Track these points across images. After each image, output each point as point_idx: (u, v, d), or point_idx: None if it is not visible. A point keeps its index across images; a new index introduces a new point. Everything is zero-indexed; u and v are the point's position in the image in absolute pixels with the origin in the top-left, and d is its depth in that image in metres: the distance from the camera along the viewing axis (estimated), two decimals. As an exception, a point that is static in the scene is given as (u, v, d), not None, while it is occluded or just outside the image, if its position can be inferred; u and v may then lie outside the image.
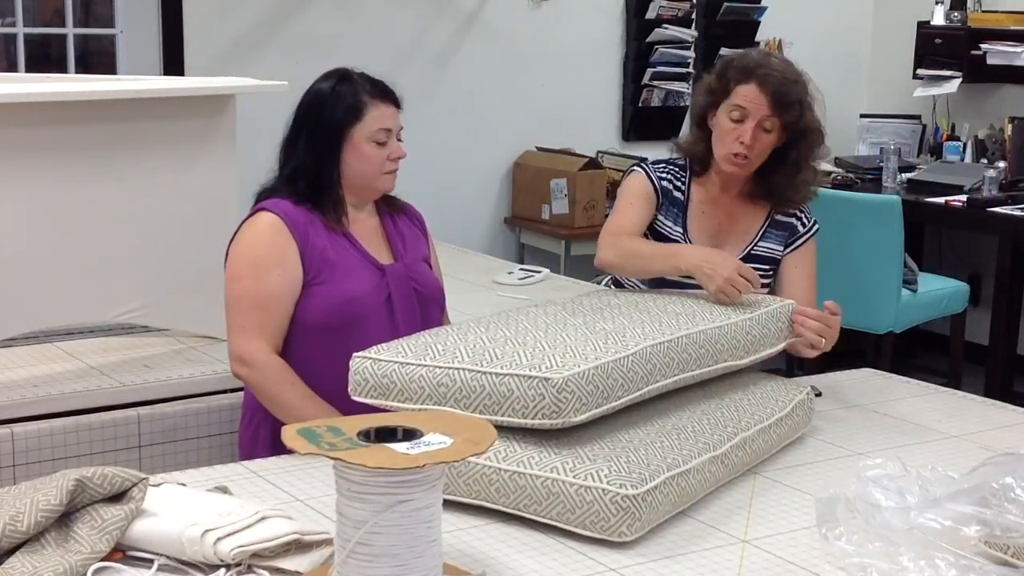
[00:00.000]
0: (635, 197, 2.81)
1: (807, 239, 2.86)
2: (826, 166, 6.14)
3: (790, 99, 2.71)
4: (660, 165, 2.86)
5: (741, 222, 2.83)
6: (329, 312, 2.52)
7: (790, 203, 2.83)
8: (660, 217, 2.81)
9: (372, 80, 2.65)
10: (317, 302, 2.53)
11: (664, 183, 2.82)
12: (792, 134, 2.75)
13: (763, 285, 2.77)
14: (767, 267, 2.81)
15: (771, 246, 2.84)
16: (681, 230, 2.81)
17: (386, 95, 2.64)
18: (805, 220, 2.86)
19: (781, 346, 2.56)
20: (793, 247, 2.85)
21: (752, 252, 2.81)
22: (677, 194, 2.83)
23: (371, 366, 2.16)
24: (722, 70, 2.80)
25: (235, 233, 2.61)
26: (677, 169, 2.86)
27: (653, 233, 2.82)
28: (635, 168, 2.87)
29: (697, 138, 2.84)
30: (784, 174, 2.79)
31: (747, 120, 2.71)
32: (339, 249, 2.58)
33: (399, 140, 2.65)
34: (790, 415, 2.43)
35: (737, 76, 2.74)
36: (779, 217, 2.85)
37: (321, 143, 2.59)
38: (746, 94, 2.72)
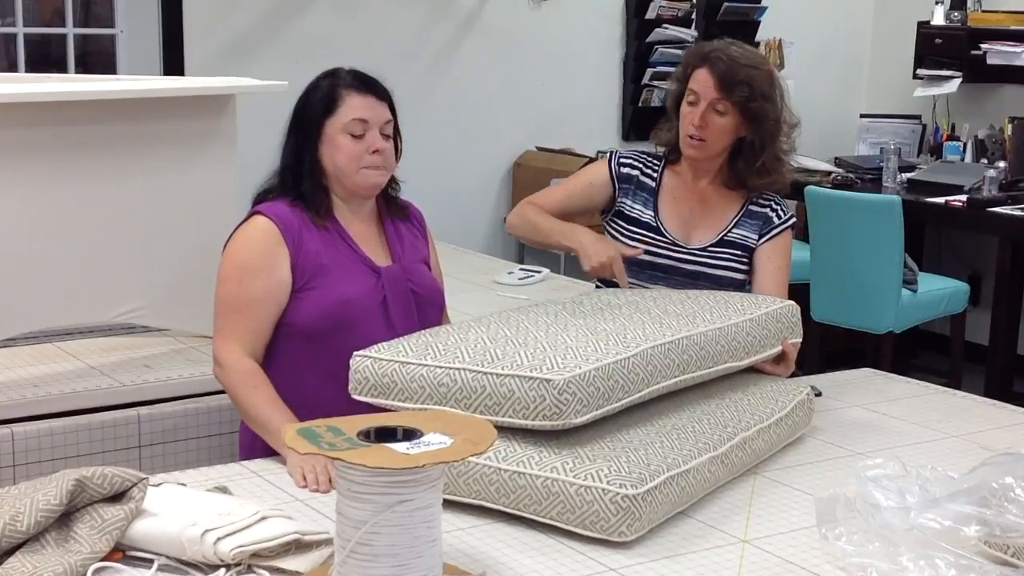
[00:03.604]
0: (579, 181, 3.00)
1: (781, 231, 2.90)
2: (825, 166, 6.16)
3: (736, 79, 2.79)
4: (634, 152, 2.99)
5: (714, 209, 2.91)
6: (323, 315, 2.51)
7: (754, 189, 2.90)
8: (628, 202, 2.92)
9: (356, 73, 2.61)
10: (311, 305, 2.52)
11: (628, 170, 2.94)
12: (749, 119, 2.81)
13: (738, 271, 2.86)
14: (740, 252, 2.88)
15: (745, 233, 2.89)
16: (652, 213, 2.90)
17: (365, 86, 2.59)
18: (781, 212, 2.91)
19: (779, 348, 2.56)
20: (767, 238, 2.89)
21: (725, 238, 2.88)
22: (647, 180, 2.93)
23: (371, 365, 2.16)
24: (684, 58, 2.95)
25: (230, 235, 2.61)
26: (650, 157, 2.97)
27: (621, 217, 2.92)
28: (604, 153, 3.00)
29: (669, 127, 2.95)
30: (744, 160, 2.87)
31: (700, 103, 2.81)
32: (333, 252, 2.56)
33: (386, 135, 2.59)
34: (790, 415, 2.43)
35: (693, 62, 2.86)
36: (754, 208, 2.91)
37: (301, 137, 2.59)
38: (697, 78, 2.83)
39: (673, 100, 2.92)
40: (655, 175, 2.94)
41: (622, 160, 2.95)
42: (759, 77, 2.81)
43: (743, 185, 2.89)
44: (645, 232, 2.88)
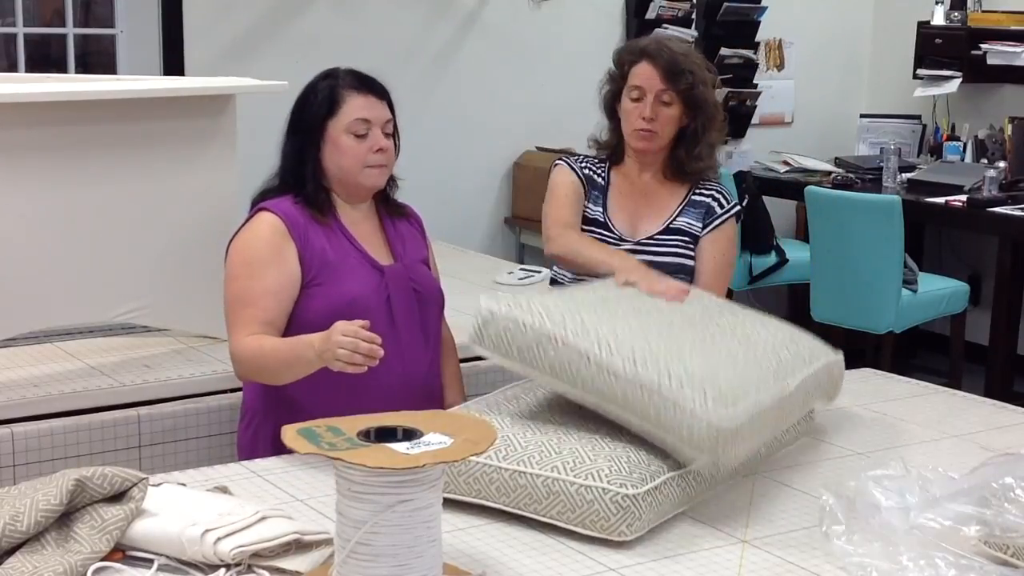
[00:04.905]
0: (567, 188, 2.99)
1: (726, 219, 2.97)
2: (826, 166, 6.16)
3: (680, 68, 2.88)
4: (579, 158, 3.07)
5: (659, 200, 2.99)
6: (329, 313, 2.50)
7: (691, 176, 2.97)
8: (587, 203, 2.98)
9: (355, 74, 2.63)
10: (317, 303, 2.52)
11: (586, 171, 3.01)
12: (691, 107, 2.90)
13: (687, 257, 2.93)
14: (687, 239, 2.95)
15: (689, 221, 2.97)
16: (601, 210, 2.98)
17: (365, 86, 2.60)
18: (724, 201, 2.99)
19: None
20: (711, 227, 2.96)
21: (671, 226, 2.95)
22: (599, 179, 3.02)
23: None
24: (617, 57, 3.02)
25: (235, 233, 2.61)
26: (595, 160, 3.06)
27: (582, 218, 2.98)
28: (558, 162, 3.05)
29: (609, 129, 3.06)
30: (685, 147, 2.95)
31: (645, 97, 2.90)
32: (338, 250, 2.57)
33: (387, 133, 2.61)
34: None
35: (631, 59, 2.95)
36: (697, 197, 2.98)
37: (302, 139, 2.59)
38: (640, 73, 2.91)
39: (609, 103, 3.02)
40: (604, 175, 3.02)
41: (580, 165, 3.02)
42: (697, 65, 2.92)
43: (683, 171, 2.96)
44: (595, 229, 2.95)
